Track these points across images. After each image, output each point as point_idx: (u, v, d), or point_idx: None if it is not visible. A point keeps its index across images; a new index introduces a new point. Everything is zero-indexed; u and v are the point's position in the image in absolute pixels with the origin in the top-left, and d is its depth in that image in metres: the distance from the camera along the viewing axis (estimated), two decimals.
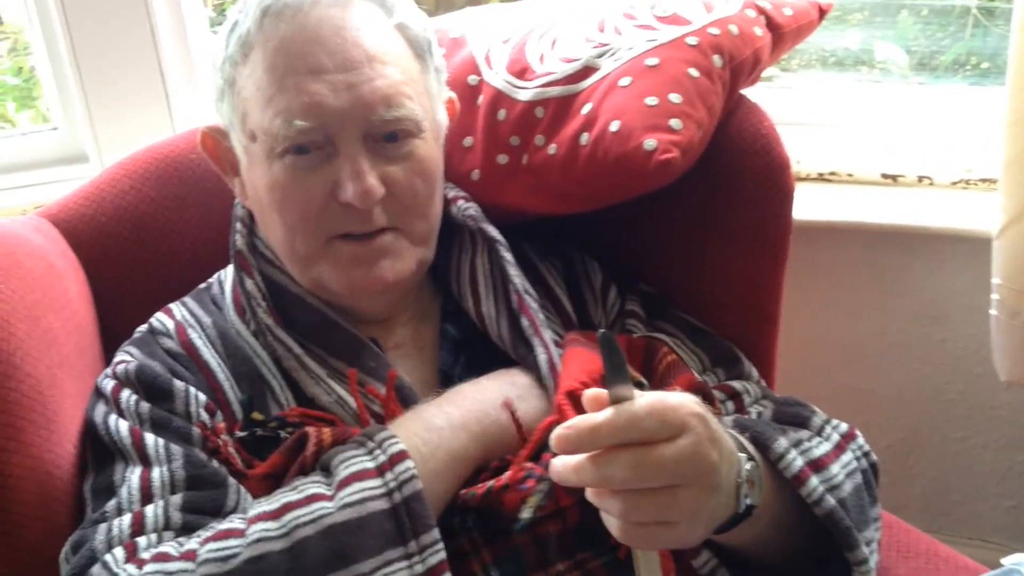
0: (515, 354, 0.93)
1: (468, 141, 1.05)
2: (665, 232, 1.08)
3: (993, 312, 1.27)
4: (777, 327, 1.10)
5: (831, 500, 0.79)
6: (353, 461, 0.76)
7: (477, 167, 1.04)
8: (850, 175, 1.51)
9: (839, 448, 0.87)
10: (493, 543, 0.80)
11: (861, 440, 0.91)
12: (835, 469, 0.83)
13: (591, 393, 0.68)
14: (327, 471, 0.78)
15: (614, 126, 0.94)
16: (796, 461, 0.79)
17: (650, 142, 0.91)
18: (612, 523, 0.69)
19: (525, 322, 0.92)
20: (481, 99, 1.04)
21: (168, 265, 1.07)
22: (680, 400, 0.68)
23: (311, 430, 0.82)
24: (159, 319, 0.95)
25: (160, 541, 0.76)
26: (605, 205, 1.01)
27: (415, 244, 0.92)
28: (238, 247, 0.96)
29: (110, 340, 1.00)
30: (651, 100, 0.94)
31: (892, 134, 1.52)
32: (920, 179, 1.48)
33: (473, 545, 0.80)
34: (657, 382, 0.91)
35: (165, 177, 1.09)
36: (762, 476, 0.76)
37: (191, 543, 0.74)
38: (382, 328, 0.96)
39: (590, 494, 0.69)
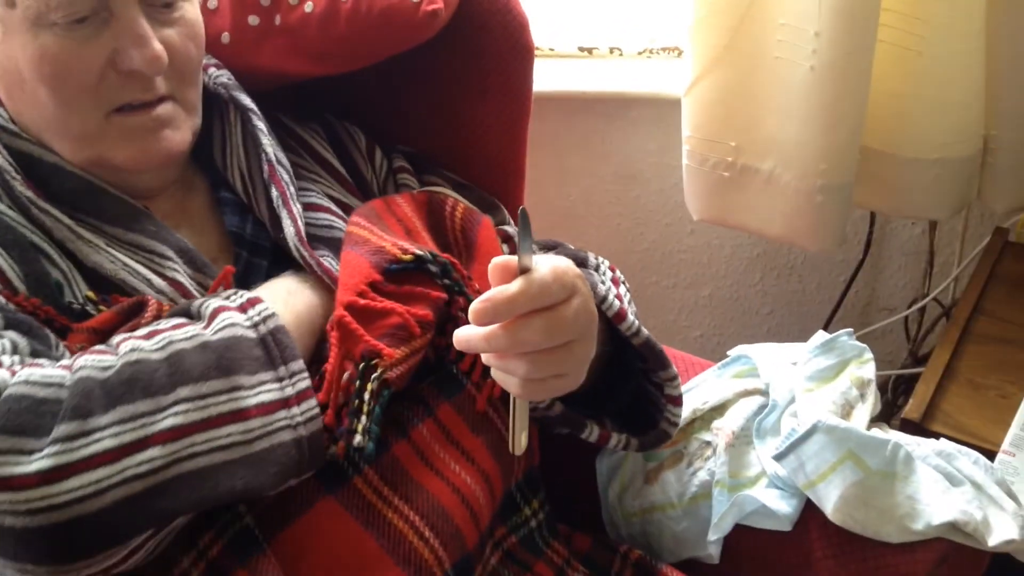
0: (272, 231, 0.92)
1: (213, 3, 1.01)
2: (418, 94, 1.11)
3: (685, 161, 1.46)
4: (523, 180, 1.19)
5: (645, 330, 0.88)
6: (213, 302, 0.78)
7: (226, 30, 1.01)
8: (551, 49, 1.63)
9: (615, 282, 0.98)
10: None
11: (619, 272, 1.03)
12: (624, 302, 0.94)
13: (500, 261, 0.69)
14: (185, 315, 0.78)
15: None
16: (615, 301, 0.87)
17: None
18: (511, 382, 0.72)
19: (275, 193, 0.92)
20: None
21: None
22: (565, 263, 0.72)
23: (153, 300, 0.80)
24: None
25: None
26: (365, 64, 1.03)
27: (189, 114, 0.90)
28: None
29: None
30: None
31: (585, 10, 1.66)
32: (612, 50, 1.63)
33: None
34: (459, 231, 0.95)
35: None
36: None
37: (61, 363, 0.71)
38: (147, 202, 0.92)
39: (491, 359, 0.72)
